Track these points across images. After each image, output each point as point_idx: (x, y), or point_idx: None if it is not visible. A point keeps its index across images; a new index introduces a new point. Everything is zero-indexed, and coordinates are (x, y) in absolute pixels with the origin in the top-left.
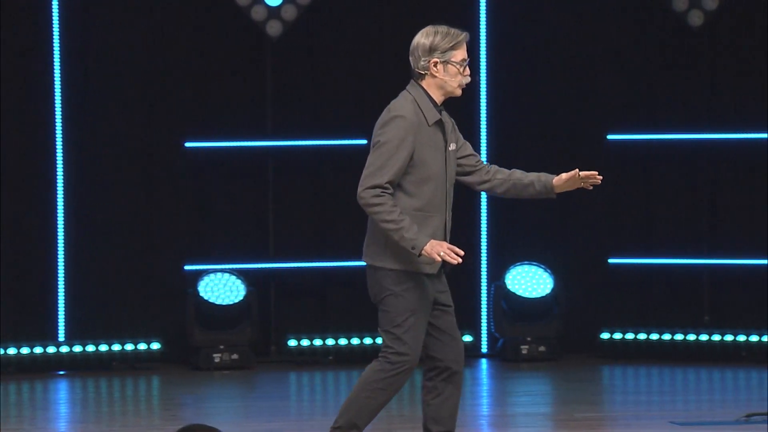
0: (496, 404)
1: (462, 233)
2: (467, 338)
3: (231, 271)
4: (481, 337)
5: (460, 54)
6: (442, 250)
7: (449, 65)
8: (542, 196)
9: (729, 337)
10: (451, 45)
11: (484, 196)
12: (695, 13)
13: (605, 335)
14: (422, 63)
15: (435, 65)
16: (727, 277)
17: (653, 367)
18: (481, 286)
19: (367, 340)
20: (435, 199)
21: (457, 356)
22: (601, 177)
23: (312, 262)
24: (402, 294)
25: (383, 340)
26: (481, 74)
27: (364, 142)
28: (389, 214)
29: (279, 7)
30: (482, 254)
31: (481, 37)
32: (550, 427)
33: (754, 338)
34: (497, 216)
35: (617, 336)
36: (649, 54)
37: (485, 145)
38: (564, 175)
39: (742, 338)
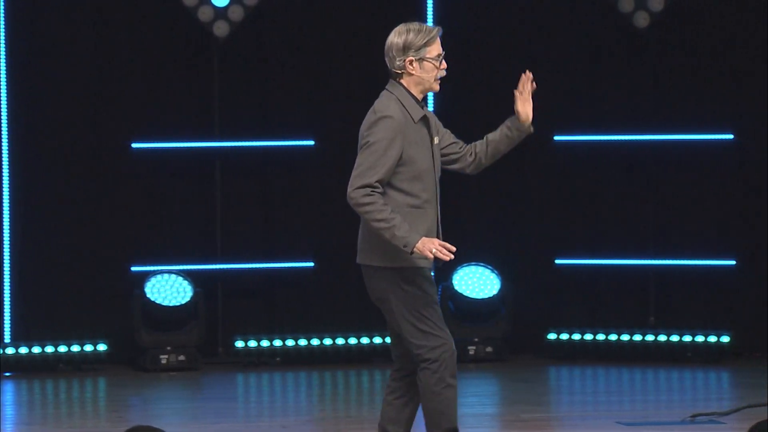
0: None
1: None
2: None
3: (178, 272)
4: None
5: (435, 49)
6: (434, 247)
7: (425, 62)
8: (521, 137)
9: (675, 338)
10: (425, 41)
11: None
12: (641, 15)
13: (552, 336)
14: (398, 62)
15: (411, 63)
16: (672, 278)
17: (600, 367)
18: None
19: (315, 341)
20: (427, 194)
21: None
22: (530, 73)
23: (259, 263)
24: (413, 291)
25: (409, 342)
26: None
27: (312, 143)
28: (380, 213)
29: (226, 8)
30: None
31: None
32: (497, 427)
33: (699, 339)
34: (444, 216)
35: (564, 336)
36: (595, 55)
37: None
38: (517, 106)
39: (687, 339)
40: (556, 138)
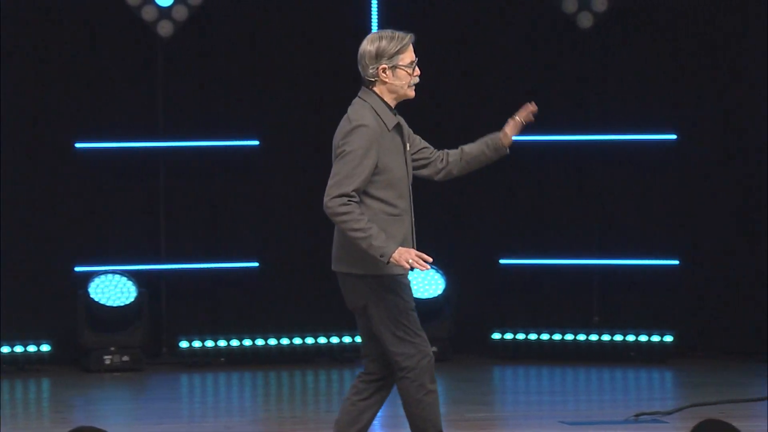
0: (386, 405)
1: None
2: (359, 339)
3: (122, 273)
4: None
5: (408, 56)
6: (410, 257)
7: (398, 69)
8: (497, 157)
9: (618, 338)
10: (397, 49)
11: None
12: (585, 15)
13: (496, 335)
14: (371, 71)
15: (384, 71)
16: (616, 278)
17: (544, 367)
18: None
19: (259, 342)
20: (402, 202)
21: (390, 368)
22: (535, 106)
23: (204, 263)
24: (392, 298)
25: (388, 350)
26: None
27: (256, 143)
28: (357, 223)
29: (170, 8)
30: None
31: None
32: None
33: (643, 338)
34: None
35: (508, 336)
36: (539, 55)
37: None
38: (507, 129)
39: (631, 338)
40: None
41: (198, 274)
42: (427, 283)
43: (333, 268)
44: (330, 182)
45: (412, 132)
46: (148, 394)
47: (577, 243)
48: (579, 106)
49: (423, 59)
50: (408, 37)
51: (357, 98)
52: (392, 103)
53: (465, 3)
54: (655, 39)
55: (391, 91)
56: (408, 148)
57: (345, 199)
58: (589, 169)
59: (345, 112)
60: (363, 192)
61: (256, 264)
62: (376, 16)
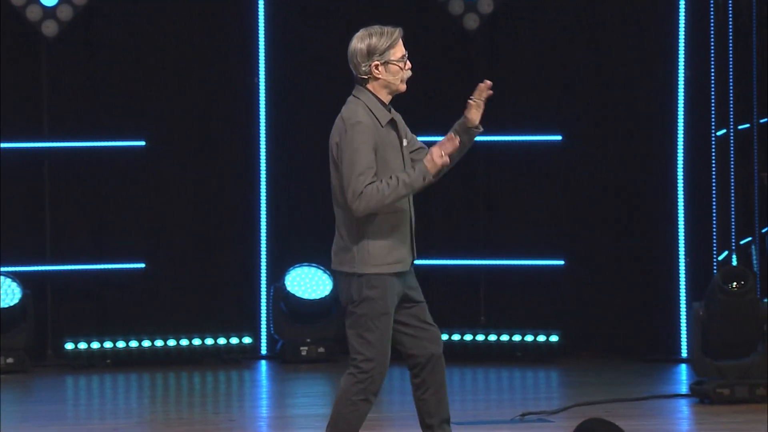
0: (275, 406)
1: (241, 234)
2: (246, 340)
3: (6, 274)
4: (260, 339)
5: (399, 51)
6: (438, 154)
7: (390, 64)
8: (471, 139)
9: (505, 337)
10: (388, 44)
11: (263, 195)
12: (471, 17)
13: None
14: (363, 68)
15: (377, 67)
16: (503, 278)
17: None
18: (260, 287)
19: (146, 343)
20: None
21: (434, 341)
22: (488, 82)
23: (90, 264)
24: (375, 297)
25: (352, 346)
26: (260, 75)
27: (143, 143)
28: (385, 190)
29: (54, 8)
30: (262, 255)
31: (260, 38)
32: None
33: (529, 338)
34: (277, 217)
35: None
36: (425, 57)
37: (264, 144)
38: (468, 115)
39: (517, 338)
40: None
41: (84, 275)
42: (315, 283)
43: (332, 266)
44: (347, 185)
45: (408, 130)
46: (34, 397)
47: (463, 243)
48: (465, 107)
49: (308, 59)
50: (397, 32)
51: (351, 96)
52: (386, 99)
53: (350, 3)
54: (541, 40)
55: (384, 87)
56: (405, 144)
57: (361, 195)
58: (475, 170)
59: (232, 111)
60: None
61: (142, 265)
62: (263, 18)
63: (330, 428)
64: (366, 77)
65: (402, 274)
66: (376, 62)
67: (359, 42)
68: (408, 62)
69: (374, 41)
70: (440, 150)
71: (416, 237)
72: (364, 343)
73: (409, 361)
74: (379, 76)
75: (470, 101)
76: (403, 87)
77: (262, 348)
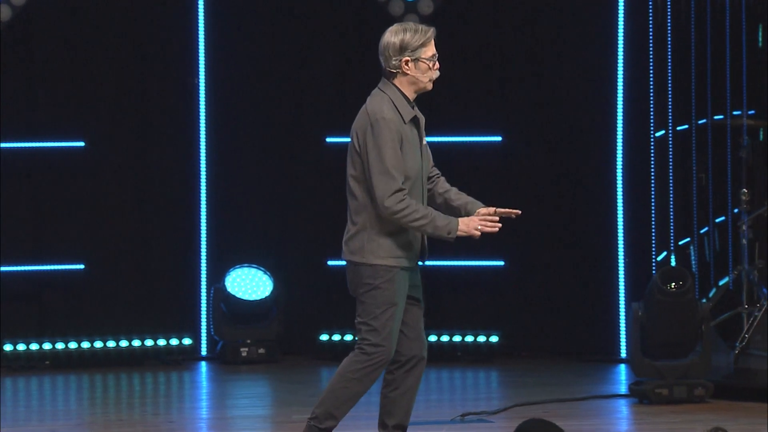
0: (215, 407)
1: (181, 236)
2: (186, 341)
3: None
4: (200, 339)
5: (430, 50)
6: (477, 225)
7: (420, 62)
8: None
9: (445, 338)
10: (421, 42)
11: (203, 196)
12: (411, 18)
13: (324, 337)
14: (393, 62)
15: (407, 63)
16: (443, 279)
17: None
18: (200, 288)
19: (85, 344)
20: (415, 193)
21: (421, 345)
22: (519, 212)
23: (28, 265)
24: (381, 287)
25: (360, 332)
26: (200, 75)
27: (82, 144)
28: (417, 213)
29: None
30: (202, 256)
31: (199, 38)
32: (269, 428)
33: (469, 338)
34: (217, 218)
35: (336, 337)
36: (364, 58)
37: (204, 146)
38: (483, 210)
39: (457, 338)
40: (328, 140)
41: (22, 277)
42: (255, 284)
43: (342, 256)
44: (376, 182)
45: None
46: None
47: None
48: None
49: (245, 56)
50: (431, 31)
51: (376, 89)
52: (411, 96)
53: (291, 5)
54: (480, 41)
55: (411, 83)
56: (424, 142)
57: (400, 195)
58: None
59: (172, 112)
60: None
61: (81, 266)
62: (203, 18)
63: (320, 399)
64: (395, 72)
65: (410, 270)
66: (407, 58)
67: (393, 36)
68: (437, 63)
69: (408, 37)
70: (481, 224)
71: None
72: (370, 330)
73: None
74: (408, 72)
75: (495, 212)
76: (429, 86)
77: (202, 349)
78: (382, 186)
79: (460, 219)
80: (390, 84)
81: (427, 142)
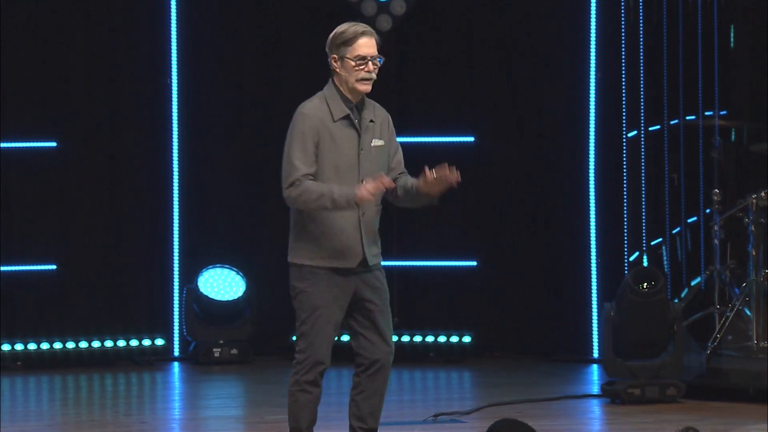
0: (187, 407)
1: (153, 236)
2: (159, 341)
3: None
4: (173, 340)
5: (357, 50)
6: (369, 185)
7: (346, 60)
8: (426, 202)
9: (418, 338)
10: (343, 41)
11: (176, 196)
12: (383, 18)
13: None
14: (329, 60)
15: (335, 61)
16: (415, 279)
17: (344, 369)
18: (173, 288)
19: (57, 345)
20: None
21: (383, 350)
22: (455, 177)
23: None
24: (307, 290)
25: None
26: (172, 75)
27: (54, 144)
28: (313, 193)
29: None
30: (174, 256)
31: (172, 38)
32: (241, 429)
33: (441, 339)
34: (189, 218)
35: None
36: None
37: (176, 145)
38: (420, 182)
39: (430, 339)
40: None
41: None
42: (227, 285)
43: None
44: (282, 173)
45: (396, 141)
46: None
47: None
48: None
49: (218, 58)
50: (361, 31)
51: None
52: (349, 94)
53: (264, 3)
54: (453, 41)
55: (343, 82)
56: (377, 143)
57: (297, 183)
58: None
59: (144, 112)
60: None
61: (53, 266)
62: (175, 18)
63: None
64: (331, 69)
65: (345, 272)
66: (335, 56)
67: (332, 32)
68: (369, 65)
69: (336, 35)
70: (373, 185)
71: None
72: (299, 335)
73: (355, 359)
74: (337, 69)
75: (429, 178)
76: (359, 87)
77: (174, 349)
78: (284, 177)
79: (356, 187)
80: (330, 81)
81: (399, 143)
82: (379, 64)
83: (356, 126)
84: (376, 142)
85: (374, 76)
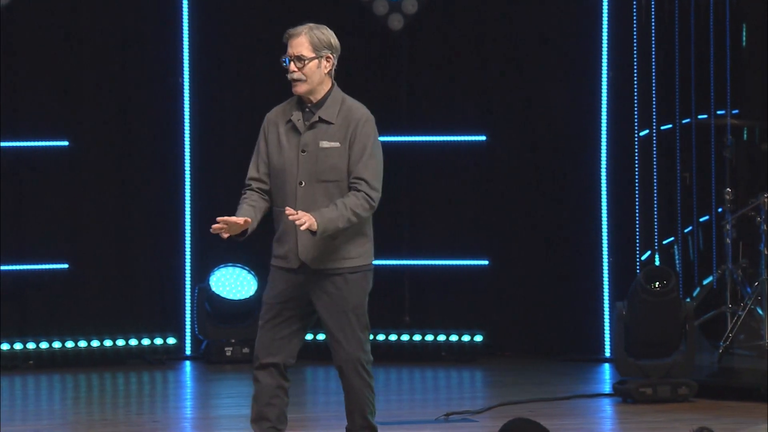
0: (199, 407)
1: (165, 235)
2: (171, 340)
3: None
4: (185, 339)
5: (287, 51)
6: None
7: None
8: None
9: (429, 337)
10: (284, 42)
11: (188, 195)
12: (395, 17)
13: (308, 336)
14: None
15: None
16: (427, 278)
17: None
18: (185, 287)
19: (69, 344)
20: (283, 195)
21: (337, 357)
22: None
23: (11, 264)
24: (267, 286)
25: None
26: (184, 74)
27: (66, 143)
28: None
29: None
30: (186, 256)
31: (183, 37)
32: (252, 428)
33: (453, 338)
34: (201, 217)
35: (321, 337)
36: (349, 57)
37: (188, 145)
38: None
39: (441, 338)
40: None
41: (5, 276)
42: (239, 284)
43: None
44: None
45: (358, 146)
46: None
47: (388, 243)
48: (389, 108)
49: (232, 59)
50: (287, 34)
51: None
52: (304, 98)
53: (274, 3)
54: (465, 41)
55: None
56: (324, 145)
57: (246, 189)
58: (399, 170)
59: (156, 111)
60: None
61: (65, 265)
62: (187, 17)
63: None
64: None
65: (287, 271)
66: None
67: None
68: (291, 64)
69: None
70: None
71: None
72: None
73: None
74: None
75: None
76: (294, 89)
77: (186, 348)
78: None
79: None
80: None
81: (404, 142)
82: (300, 63)
83: (297, 127)
84: (326, 144)
85: (297, 76)
